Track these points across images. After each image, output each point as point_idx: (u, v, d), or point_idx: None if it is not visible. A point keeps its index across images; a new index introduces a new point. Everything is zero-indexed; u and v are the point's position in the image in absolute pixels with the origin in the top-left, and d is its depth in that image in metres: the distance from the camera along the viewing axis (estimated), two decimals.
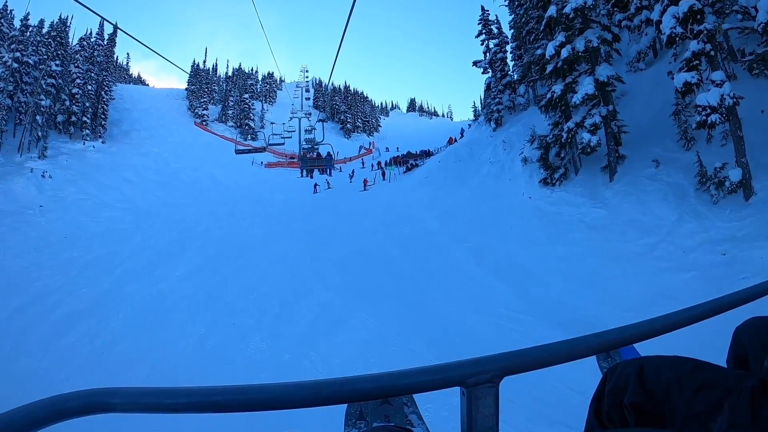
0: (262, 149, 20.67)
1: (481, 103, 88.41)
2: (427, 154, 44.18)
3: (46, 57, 46.87)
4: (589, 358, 0.90)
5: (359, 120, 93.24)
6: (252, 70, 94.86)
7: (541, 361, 0.78)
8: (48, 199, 35.50)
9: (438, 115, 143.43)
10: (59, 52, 49.90)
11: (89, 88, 51.92)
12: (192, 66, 78.93)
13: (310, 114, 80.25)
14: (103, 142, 50.61)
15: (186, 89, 77.22)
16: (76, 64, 51.54)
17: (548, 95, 19.30)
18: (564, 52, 17.57)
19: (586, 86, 16.69)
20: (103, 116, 52.51)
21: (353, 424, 1.61)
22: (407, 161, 45.88)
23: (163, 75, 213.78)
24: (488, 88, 35.88)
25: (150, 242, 27.75)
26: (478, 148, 30.80)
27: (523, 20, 25.72)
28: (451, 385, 0.73)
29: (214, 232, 28.32)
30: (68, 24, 53.21)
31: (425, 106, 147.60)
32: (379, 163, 51.46)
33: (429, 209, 23.84)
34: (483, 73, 36.68)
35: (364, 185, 36.95)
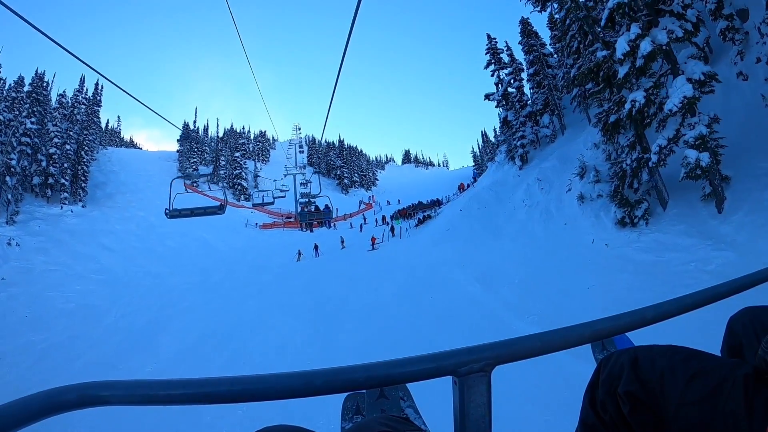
0: (218, 210, 16.94)
1: (479, 148, 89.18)
2: (436, 203, 39.93)
3: (19, 114, 43.40)
4: (584, 347, 0.89)
5: (356, 174, 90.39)
6: (244, 129, 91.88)
7: (534, 350, 0.78)
8: (11, 270, 31.38)
9: (434, 165, 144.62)
10: (35, 109, 46.37)
11: (68, 147, 47.97)
12: (183, 126, 75.59)
13: (304, 168, 78.42)
14: (83, 206, 46.40)
15: (177, 150, 73.47)
16: (54, 123, 47.79)
17: (626, 106, 14.74)
18: (644, 47, 13.45)
19: (679, 88, 12.48)
20: (83, 178, 48.47)
21: (350, 418, 1.64)
22: (416, 213, 41.76)
23: (157, 139, 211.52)
24: (505, 122, 32.33)
25: (124, 322, 23.89)
26: (505, 191, 26.89)
27: (566, 23, 21.71)
28: (444, 374, 0.74)
29: (200, 309, 24.13)
30: (50, 82, 50.19)
31: (420, 157, 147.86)
32: (384, 218, 47.47)
33: (462, 268, 19.32)
34: (497, 106, 33.38)
35: (372, 244, 32.55)
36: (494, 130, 72.87)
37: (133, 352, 18.08)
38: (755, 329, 1.10)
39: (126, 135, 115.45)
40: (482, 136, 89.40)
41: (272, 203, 45.36)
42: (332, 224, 52.44)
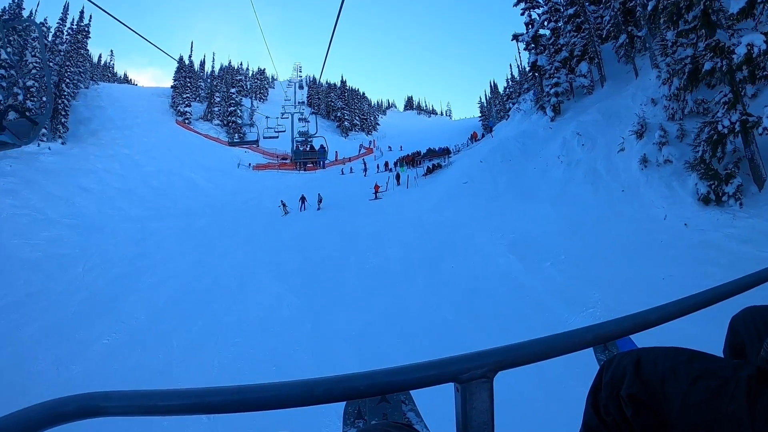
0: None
1: (486, 99, 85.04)
2: (445, 152, 36.09)
3: None
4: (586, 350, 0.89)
5: (357, 117, 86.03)
6: (242, 65, 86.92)
7: (536, 355, 0.78)
8: None
9: (436, 114, 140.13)
10: (12, 38, 42.07)
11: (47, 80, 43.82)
12: (178, 59, 70.52)
13: (303, 104, 74.80)
14: (62, 143, 42.92)
15: (171, 86, 68.79)
16: (33, 53, 43.40)
17: (739, 51, 11.10)
18: None
19: None
20: (63, 113, 44.65)
21: (351, 423, 1.61)
22: (423, 161, 38.21)
23: (158, 79, 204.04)
24: (535, 67, 28.57)
25: (90, 276, 21.28)
26: (535, 143, 23.53)
27: None
28: (445, 380, 0.73)
29: (176, 262, 21.39)
30: (34, 11, 46.07)
31: (423, 105, 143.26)
32: (387, 164, 43.78)
33: (488, 232, 15.97)
34: (526, 49, 29.71)
35: (375, 192, 29.22)
36: (507, 80, 68.37)
37: (91, 317, 15.56)
38: (757, 329, 1.08)
39: (121, 71, 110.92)
40: (490, 87, 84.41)
41: (276, 137, 42.83)
42: (324, 165, 49.30)
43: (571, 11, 26.59)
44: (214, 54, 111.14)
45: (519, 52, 65.67)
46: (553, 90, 25.57)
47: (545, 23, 28.28)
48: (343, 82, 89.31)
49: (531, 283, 11.59)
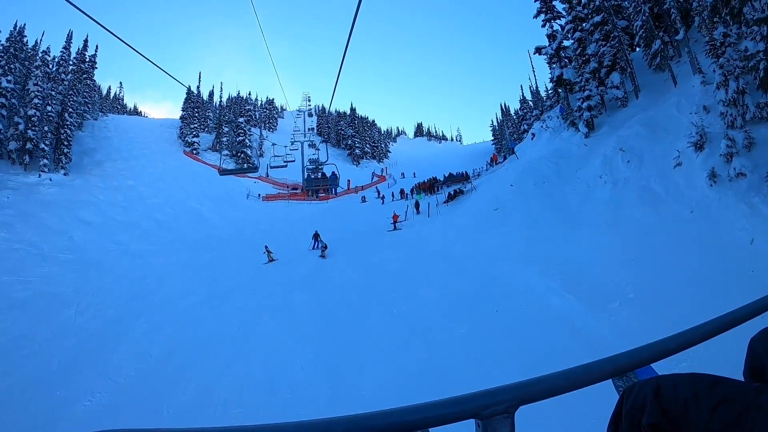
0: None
1: (497, 122, 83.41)
2: (464, 177, 33.87)
3: None
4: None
5: (368, 145, 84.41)
6: (251, 95, 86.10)
7: (557, 389, 0.79)
8: None
9: (446, 139, 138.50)
10: (13, 66, 40.81)
11: (50, 109, 42.35)
12: (186, 89, 69.38)
13: (313, 131, 73.74)
14: (65, 174, 40.94)
15: (180, 117, 67.50)
16: (35, 82, 42.05)
17: None
18: None
19: None
20: (66, 143, 42.87)
21: None
22: (441, 187, 36.08)
23: (165, 107, 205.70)
24: (560, 81, 26.64)
25: (83, 319, 19.54)
26: (570, 163, 21.36)
27: None
28: (467, 417, 0.73)
29: (175, 304, 19.28)
30: (39, 40, 44.95)
31: (433, 131, 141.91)
32: (402, 191, 41.71)
33: (533, 266, 13.67)
34: (549, 62, 27.94)
35: (394, 222, 27.01)
36: (520, 100, 66.46)
37: (76, 370, 13.72)
38: None
39: (131, 104, 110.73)
40: (501, 109, 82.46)
41: (285, 166, 41.39)
42: (336, 192, 48.16)
43: (598, 19, 24.63)
44: (222, 84, 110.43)
45: (533, 71, 64.84)
46: (585, 104, 23.46)
47: (569, 33, 26.40)
48: (353, 110, 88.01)
49: (598, 329, 9.33)
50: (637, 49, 25.49)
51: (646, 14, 22.73)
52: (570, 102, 27.96)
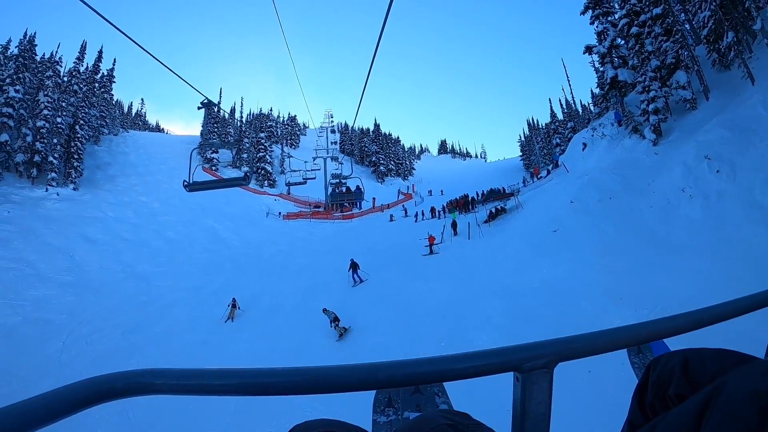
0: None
1: (524, 136, 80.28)
2: (507, 194, 30.24)
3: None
4: (620, 352, 0.92)
5: (392, 162, 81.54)
6: (272, 111, 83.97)
7: (596, 348, 0.78)
8: None
9: (471, 156, 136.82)
10: (22, 75, 38.91)
11: (60, 121, 40.23)
12: (207, 103, 67.17)
13: (336, 144, 71.70)
14: (74, 189, 38.69)
15: (201, 133, 65.42)
16: (46, 92, 40.06)
17: None
18: None
19: None
20: (76, 156, 40.66)
21: (381, 411, 1.62)
22: (476, 205, 32.85)
23: (188, 124, 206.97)
24: (614, 84, 23.99)
25: (67, 356, 17.41)
26: (639, 175, 18.12)
27: None
28: (508, 369, 0.73)
29: (176, 340, 16.63)
30: (55, 52, 43.00)
31: (457, 148, 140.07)
32: (433, 210, 38.50)
33: (621, 305, 10.37)
34: (602, 63, 25.83)
35: (430, 245, 23.65)
36: (550, 114, 63.17)
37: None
38: None
39: (154, 121, 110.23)
40: (528, 124, 79.28)
41: (304, 183, 39.50)
42: (361, 205, 47.16)
43: (657, 10, 21.52)
44: (242, 99, 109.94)
45: (568, 79, 60.90)
46: (651, 106, 20.27)
47: (624, 29, 23.37)
48: (377, 125, 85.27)
49: None
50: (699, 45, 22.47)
51: (715, 3, 19.68)
52: (625, 106, 24.91)
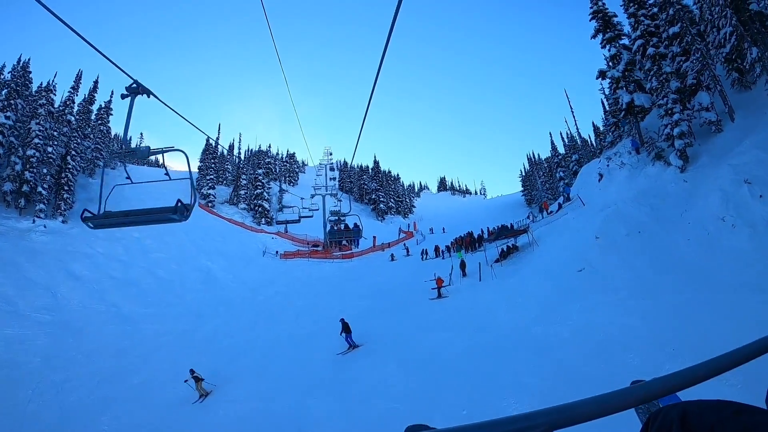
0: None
1: (524, 171, 79.46)
2: (517, 230, 28.37)
3: None
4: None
5: (392, 200, 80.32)
6: (270, 148, 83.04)
7: (590, 414, 0.79)
8: None
9: (470, 193, 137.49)
10: (13, 102, 37.68)
11: (51, 150, 38.81)
12: (206, 139, 66.20)
13: (335, 180, 70.74)
14: (63, 221, 36.96)
15: (198, 169, 64.01)
16: (38, 121, 38.77)
17: None
18: None
19: None
20: (67, 188, 39.13)
21: None
22: (481, 243, 31.24)
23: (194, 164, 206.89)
24: (630, 110, 23.11)
25: (33, 407, 15.70)
26: (668, 205, 16.69)
27: None
28: None
29: (156, 394, 14.64)
30: (51, 81, 41.94)
31: (456, 185, 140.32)
32: (437, 248, 36.78)
33: (676, 360, 8.77)
34: (615, 88, 25.71)
35: (438, 288, 21.72)
36: (551, 147, 62.33)
37: None
38: None
39: (153, 157, 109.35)
40: (528, 159, 78.93)
41: (298, 221, 38.20)
42: (359, 243, 45.48)
43: (675, 29, 20.44)
44: (240, 135, 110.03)
45: (572, 111, 60.30)
46: (675, 130, 18.89)
47: (639, 51, 22.35)
48: (376, 163, 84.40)
49: None
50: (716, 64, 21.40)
51: (734, 20, 18.63)
52: (641, 132, 23.66)
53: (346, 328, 17.20)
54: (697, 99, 19.42)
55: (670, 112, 19.56)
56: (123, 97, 6.26)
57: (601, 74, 25.75)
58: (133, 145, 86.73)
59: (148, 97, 6.31)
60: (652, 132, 21.93)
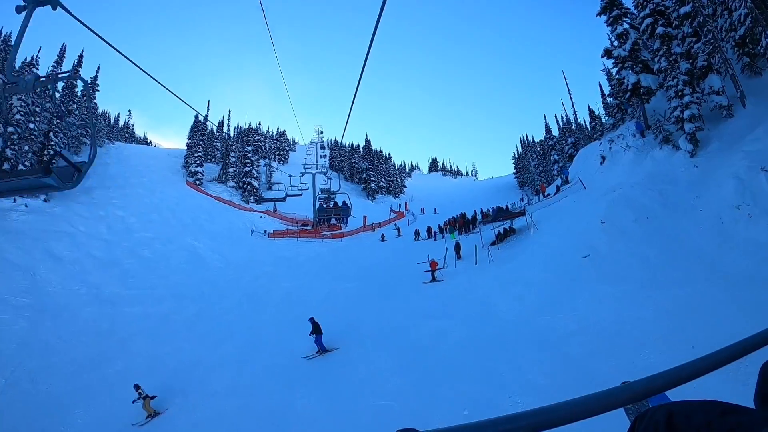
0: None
1: (517, 154, 78.70)
2: (513, 212, 27.51)
3: None
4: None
5: (383, 180, 79.16)
6: (262, 127, 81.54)
7: (573, 416, 0.78)
8: None
9: (461, 174, 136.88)
10: None
11: (33, 127, 37.39)
12: (195, 116, 64.47)
13: (325, 158, 69.78)
14: (45, 200, 35.68)
15: (186, 145, 62.41)
16: (19, 96, 37.28)
17: None
18: None
19: None
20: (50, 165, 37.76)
21: None
22: (476, 225, 30.45)
23: (179, 138, 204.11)
24: (637, 90, 21.95)
25: (4, 399, 14.58)
26: (678, 190, 15.92)
27: None
28: None
29: (128, 385, 13.39)
30: (36, 56, 40.30)
31: (447, 166, 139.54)
32: (429, 229, 35.95)
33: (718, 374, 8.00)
34: (621, 68, 24.61)
35: (432, 271, 20.82)
36: (545, 128, 61.43)
37: None
38: None
39: (142, 133, 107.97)
40: (521, 141, 78.00)
41: (302, 195, 37.30)
42: (347, 221, 43.56)
43: (687, 9, 19.48)
44: (230, 112, 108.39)
45: (570, 93, 59.08)
46: (686, 113, 17.98)
47: (647, 30, 21.43)
48: (368, 141, 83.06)
49: None
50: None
51: (749, 1, 17.74)
52: (646, 115, 22.80)
53: (316, 329, 15.03)
54: (707, 82, 18.52)
55: (680, 93, 18.61)
56: (18, 10, 4.82)
57: (607, 53, 24.69)
58: (120, 124, 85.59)
59: (54, 9, 4.85)
60: (659, 115, 20.98)
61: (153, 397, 13.14)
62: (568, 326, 11.04)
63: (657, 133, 20.16)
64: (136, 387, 13.21)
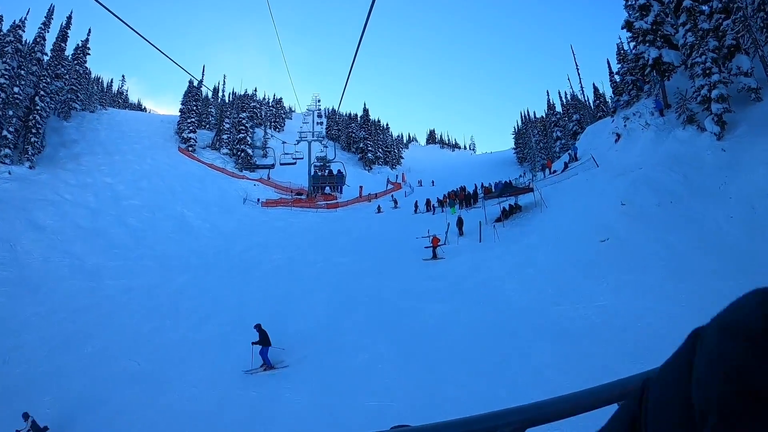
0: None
1: (517, 129, 77.28)
2: (521, 188, 26.29)
3: None
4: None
5: (380, 150, 77.55)
6: (256, 92, 79.42)
7: (564, 412, 0.77)
8: None
9: (459, 147, 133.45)
10: None
11: (17, 91, 35.69)
12: (189, 81, 62.11)
13: (322, 125, 68.35)
14: (30, 167, 34.37)
15: (179, 111, 60.34)
16: (4, 59, 35.52)
17: None
18: None
19: None
20: (35, 131, 36.28)
21: None
22: (476, 199, 29.37)
23: (174, 104, 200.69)
24: (657, 66, 20.88)
25: None
26: (703, 174, 14.84)
27: None
28: None
29: (110, 365, 12.73)
30: (24, 19, 38.27)
31: (445, 138, 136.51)
32: (428, 202, 34.72)
33: None
34: (642, 42, 23.18)
35: (433, 248, 19.72)
36: (548, 102, 59.99)
37: None
38: None
39: (136, 99, 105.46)
40: (522, 117, 76.68)
41: (294, 164, 36.42)
42: (342, 190, 42.63)
43: None
44: (225, 77, 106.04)
45: (577, 68, 56.90)
46: (714, 92, 16.74)
47: (672, 2, 20.22)
48: (366, 110, 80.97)
49: None
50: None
51: None
52: (666, 92, 21.53)
53: (263, 339, 12.44)
54: (735, 62, 17.25)
55: (707, 72, 17.30)
56: None
57: (628, 24, 23.28)
58: (114, 90, 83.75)
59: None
60: (681, 93, 19.60)
61: (45, 429, 10.81)
62: (588, 317, 10.01)
63: (680, 112, 18.87)
64: (26, 416, 10.68)
